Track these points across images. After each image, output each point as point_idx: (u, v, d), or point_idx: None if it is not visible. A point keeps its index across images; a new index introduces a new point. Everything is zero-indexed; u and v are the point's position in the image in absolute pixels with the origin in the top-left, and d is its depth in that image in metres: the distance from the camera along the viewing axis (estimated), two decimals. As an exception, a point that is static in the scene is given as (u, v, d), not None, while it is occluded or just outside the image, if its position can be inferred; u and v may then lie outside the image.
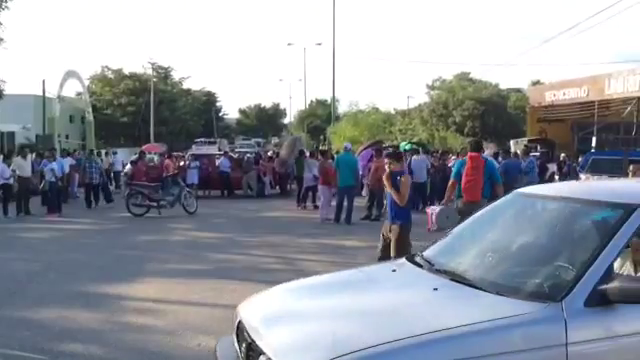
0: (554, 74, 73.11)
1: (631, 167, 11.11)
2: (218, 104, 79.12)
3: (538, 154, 26.80)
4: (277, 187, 22.93)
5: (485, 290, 3.09)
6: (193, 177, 21.09)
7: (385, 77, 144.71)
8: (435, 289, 3.22)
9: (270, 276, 8.28)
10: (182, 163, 22.63)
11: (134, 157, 21.74)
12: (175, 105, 59.51)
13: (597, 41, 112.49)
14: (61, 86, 37.82)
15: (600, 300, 2.82)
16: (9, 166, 16.34)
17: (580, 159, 19.90)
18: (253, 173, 22.07)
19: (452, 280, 3.33)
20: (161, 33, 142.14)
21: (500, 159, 17.13)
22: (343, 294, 3.54)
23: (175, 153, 29.43)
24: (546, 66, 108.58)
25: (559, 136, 32.97)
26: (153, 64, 58.29)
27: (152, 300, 7.07)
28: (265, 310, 3.52)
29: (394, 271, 3.81)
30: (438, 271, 3.53)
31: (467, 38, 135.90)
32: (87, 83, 48.68)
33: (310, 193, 17.88)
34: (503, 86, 52.09)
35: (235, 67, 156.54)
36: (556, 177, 22.01)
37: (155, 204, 15.87)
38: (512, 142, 31.31)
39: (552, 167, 21.74)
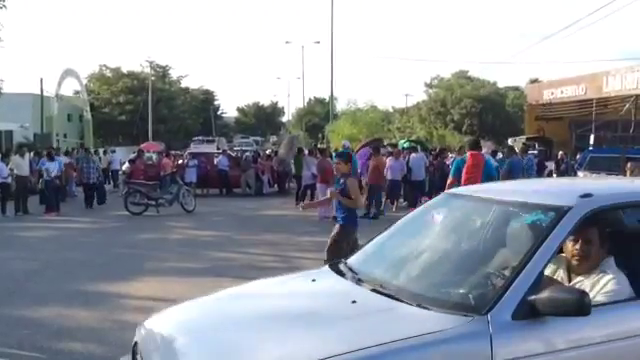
0: (552, 72, 73.32)
1: (629, 164, 11.15)
2: (216, 102, 79.13)
3: (536, 152, 26.82)
4: (275, 185, 22.94)
5: (406, 302, 2.84)
6: (191, 175, 21.09)
7: (383, 75, 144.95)
8: (353, 302, 2.93)
9: (268, 274, 8.29)
10: (180, 161, 22.62)
11: (132, 156, 21.75)
12: (173, 103, 59.52)
13: (596, 39, 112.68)
14: (59, 85, 37.84)
15: (529, 312, 2.61)
16: (7, 165, 16.33)
17: (578, 157, 19.92)
18: (251, 171, 22.07)
19: (373, 291, 3.07)
20: (159, 31, 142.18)
21: (499, 157, 17.22)
22: (252, 310, 3.19)
23: (173, 152, 29.43)
24: (544, 64, 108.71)
25: (557, 134, 32.98)
26: (151, 62, 58.27)
27: (151, 298, 7.06)
28: (163, 331, 3.21)
29: (314, 281, 3.54)
30: (360, 281, 3.29)
31: (465, 36, 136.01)
32: (85, 82, 48.66)
33: (309, 191, 17.88)
34: (501, 84, 52.32)
35: (233, 65, 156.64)
36: (554, 175, 22.08)
37: (153, 202, 15.86)
38: (510, 140, 31.35)
39: (550, 165, 21.78)
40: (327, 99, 56.36)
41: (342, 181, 7.11)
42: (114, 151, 28.11)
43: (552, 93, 33.44)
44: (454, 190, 4.02)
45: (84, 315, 6.36)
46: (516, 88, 50.36)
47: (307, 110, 72.21)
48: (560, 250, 3.08)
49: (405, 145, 22.35)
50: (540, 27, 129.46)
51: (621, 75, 26.04)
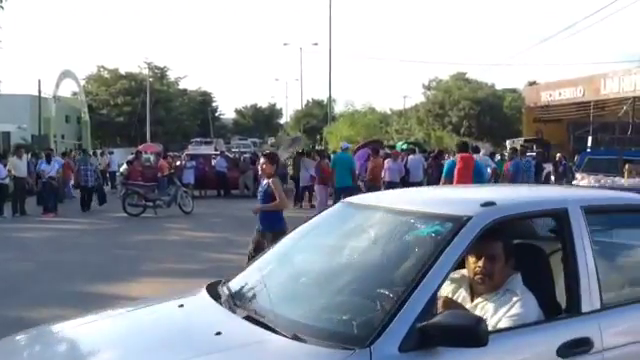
0: (550, 74, 73.46)
1: (627, 166, 11.17)
2: (214, 104, 79.08)
3: (534, 154, 26.93)
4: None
5: (281, 333, 2.44)
6: (189, 177, 21.08)
7: (381, 77, 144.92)
8: (218, 333, 2.51)
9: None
10: (178, 163, 22.61)
11: (130, 157, 21.75)
12: (171, 105, 59.47)
13: (594, 41, 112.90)
14: (57, 86, 37.80)
15: (420, 342, 2.25)
16: (5, 166, 16.31)
17: (576, 159, 19.96)
18: (250, 173, 22.05)
19: (246, 319, 2.64)
20: (157, 33, 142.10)
21: (497, 159, 17.27)
22: (87, 346, 2.79)
23: (171, 153, 29.42)
24: (542, 66, 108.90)
25: (555, 136, 33.06)
26: (149, 64, 58.26)
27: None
28: None
29: (181, 306, 3.05)
30: (236, 306, 2.83)
31: (463, 38, 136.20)
32: (83, 83, 48.63)
33: (307, 193, 17.89)
34: (499, 86, 52.31)
35: (231, 67, 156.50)
36: (552, 177, 22.10)
37: (151, 204, 15.85)
38: (508, 142, 31.37)
39: (548, 167, 21.80)
40: (325, 101, 56.36)
41: (265, 182, 6.91)
42: (112, 152, 28.11)
43: (550, 95, 33.63)
44: (351, 199, 3.60)
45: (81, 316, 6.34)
46: (514, 90, 50.42)
47: (305, 112, 72.21)
48: (462, 266, 2.81)
49: (403, 147, 22.38)
50: (538, 29, 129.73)
51: (619, 78, 26.21)
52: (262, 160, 7.36)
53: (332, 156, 16.38)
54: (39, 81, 37.05)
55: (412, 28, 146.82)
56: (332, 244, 3.41)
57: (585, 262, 2.75)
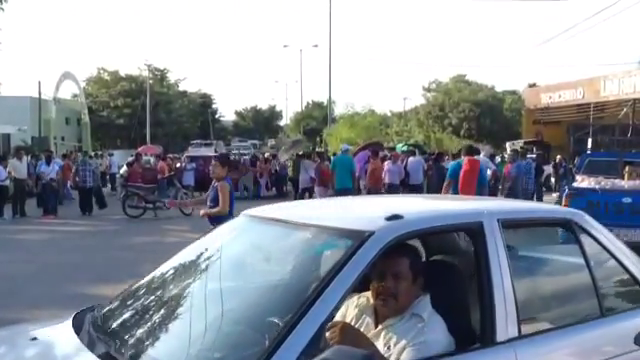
0: (551, 76, 73.41)
1: (627, 168, 11.15)
2: (214, 106, 79.13)
3: (534, 156, 26.93)
4: (273, 189, 22.92)
5: None
6: (189, 178, 21.09)
7: (381, 79, 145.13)
8: None
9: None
10: (178, 165, 22.61)
11: (130, 159, 21.76)
12: (171, 107, 59.53)
13: (594, 43, 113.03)
14: (57, 88, 37.83)
15: None
16: (5, 168, 16.32)
17: (576, 160, 19.97)
18: (249, 175, 22.06)
19: (102, 357, 2.26)
20: (157, 35, 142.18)
21: (497, 160, 17.29)
22: None
23: (171, 155, 29.44)
24: (542, 68, 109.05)
25: (555, 138, 33.08)
26: (149, 66, 58.30)
27: (148, 301, 7.04)
28: None
29: (34, 339, 2.60)
30: (96, 341, 2.43)
31: (463, 40, 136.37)
32: (83, 85, 48.67)
33: (307, 194, 17.90)
34: (499, 88, 52.34)
35: (231, 69, 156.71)
36: (552, 179, 22.13)
37: (151, 206, 15.85)
38: (508, 144, 31.38)
39: (547, 169, 21.82)
40: (325, 103, 56.42)
41: (214, 184, 6.72)
42: (112, 154, 28.13)
43: (550, 97, 33.69)
44: (253, 211, 3.22)
45: (81, 318, 6.33)
46: (514, 92, 50.47)
47: (305, 114, 72.31)
48: (367, 286, 2.49)
49: (403, 149, 22.39)
50: (538, 31, 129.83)
51: (618, 79, 26.24)
52: (213, 162, 7.03)
53: (332, 158, 16.38)
54: (39, 83, 37.13)
55: (412, 30, 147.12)
56: (225, 264, 2.95)
57: (501, 283, 2.42)
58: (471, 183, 10.26)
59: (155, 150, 35.11)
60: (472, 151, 11.19)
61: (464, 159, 10.85)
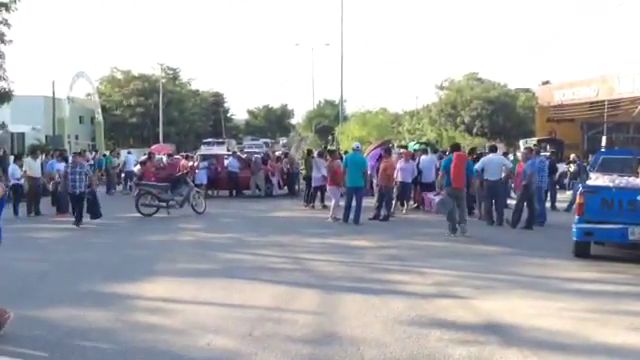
0: (564, 74, 72.71)
1: (642, 166, 11.06)
2: (226, 105, 79.42)
3: (548, 154, 26.73)
4: (285, 187, 22.95)
5: None
6: (202, 177, 21.17)
7: (393, 77, 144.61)
8: None
9: (278, 276, 8.34)
10: (191, 163, 22.70)
11: (143, 158, 21.90)
12: (183, 106, 59.77)
13: (607, 40, 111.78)
14: (71, 87, 38.04)
15: None
16: (20, 167, 16.45)
17: (590, 158, 19.80)
18: (261, 173, 22.09)
19: None
20: (169, 34, 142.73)
21: (511, 158, 17.26)
22: None
23: (183, 153, 29.59)
24: (556, 66, 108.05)
25: (568, 136, 32.87)
26: (162, 65, 58.56)
27: (161, 299, 7.09)
28: None
29: None
30: None
31: (476, 38, 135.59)
32: (96, 84, 48.96)
33: (319, 193, 17.89)
34: (512, 86, 52.01)
35: (243, 68, 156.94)
36: (566, 177, 21.94)
37: (164, 204, 15.92)
38: (521, 142, 31.20)
39: (561, 167, 21.63)
40: (337, 101, 56.34)
41: None
42: (130, 152, 28.34)
43: (563, 95, 33.54)
44: None
45: (95, 315, 6.38)
46: (527, 90, 50.13)
47: (317, 112, 72.30)
48: None
49: (415, 147, 22.32)
50: (551, 30, 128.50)
51: (632, 77, 25.99)
52: None
53: (344, 156, 16.36)
54: (53, 82, 37.47)
55: (424, 27, 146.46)
56: None
57: None
58: (460, 173, 12.14)
59: (167, 149, 35.30)
60: (458, 147, 13.48)
61: (453, 155, 12.49)
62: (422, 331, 5.69)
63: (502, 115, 45.70)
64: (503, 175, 14.00)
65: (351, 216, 13.91)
